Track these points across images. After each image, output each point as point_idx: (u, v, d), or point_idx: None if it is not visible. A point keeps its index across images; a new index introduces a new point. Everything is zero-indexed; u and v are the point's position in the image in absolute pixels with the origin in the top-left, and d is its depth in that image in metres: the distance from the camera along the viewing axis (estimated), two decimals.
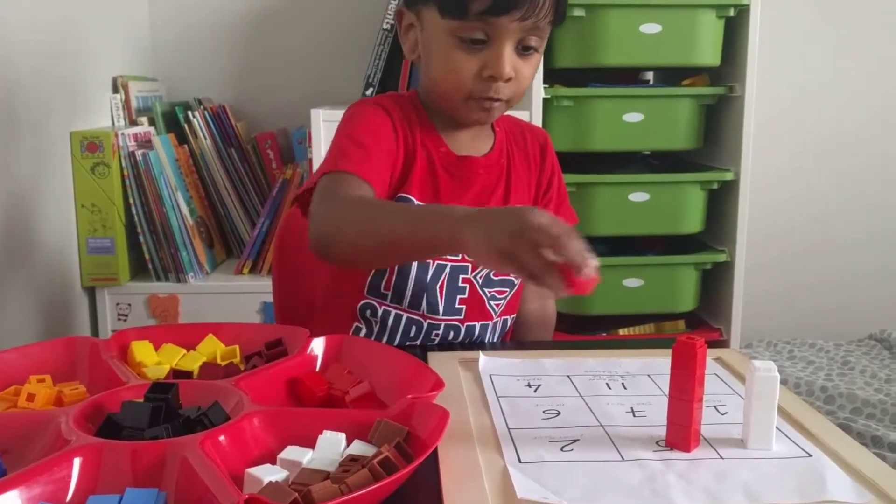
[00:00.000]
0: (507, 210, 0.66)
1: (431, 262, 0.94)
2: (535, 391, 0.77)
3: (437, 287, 0.96)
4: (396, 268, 0.94)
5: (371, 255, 0.81)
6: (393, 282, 0.95)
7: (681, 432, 0.64)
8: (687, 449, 0.64)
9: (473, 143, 0.99)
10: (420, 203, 0.91)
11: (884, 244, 2.22)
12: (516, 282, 1.01)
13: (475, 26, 0.85)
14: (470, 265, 0.96)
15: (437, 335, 0.98)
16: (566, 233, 0.61)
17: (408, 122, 0.95)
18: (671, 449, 0.65)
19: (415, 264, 0.94)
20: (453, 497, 0.56)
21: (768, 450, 0.65)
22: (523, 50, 0.88)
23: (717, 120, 1.82)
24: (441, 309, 0.96)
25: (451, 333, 0.98)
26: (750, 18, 1.68)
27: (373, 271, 0.95)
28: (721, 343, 1.80)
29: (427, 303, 0.96)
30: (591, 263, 0.61)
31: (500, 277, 0.99)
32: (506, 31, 0.86)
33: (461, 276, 0.97)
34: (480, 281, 0.98)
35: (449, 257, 0.95)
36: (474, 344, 0.99)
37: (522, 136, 1.04)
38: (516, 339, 1.08)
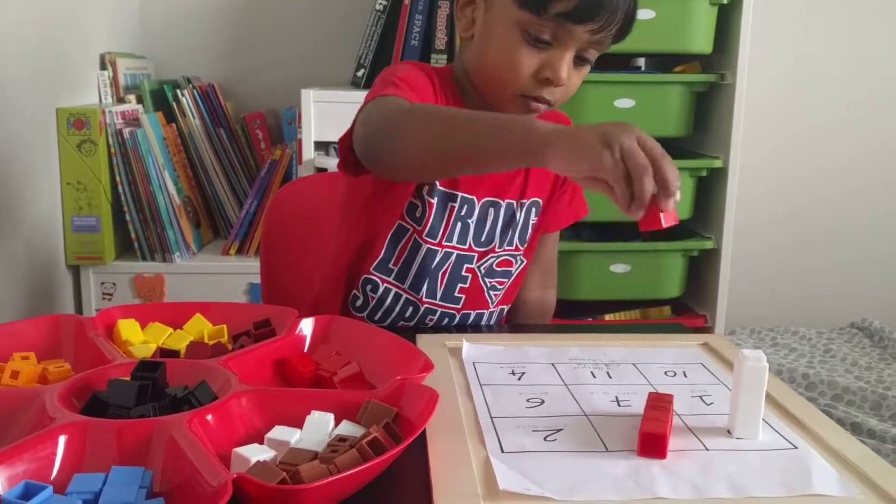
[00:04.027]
0: (602, 123, 0.64)
1: (440, 248, 0.94)
2: (518, 379, 0.77)
3: (440, 274, 0.96)
4: (408, 248, 0.94)
5: (438, 164, 0.76)
6: (402, 262, 0.95)
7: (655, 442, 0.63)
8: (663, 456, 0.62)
9: None
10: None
11: (869, 234, 2.24)
12: (514, 271, 1.01)
13: (547, 26, 0.83)
14: (476, 255, 0.96)
15: (431, 320, 0.98)
16: (665, 154, 0.61)
17: (443, 94, 0.93)
18: None
19: (423, 250, 0.93)
20: (441, 479, 0.56)
21: (754, 439, 0.65)
22: (580, 60, 0.87)
23: (708, 107, 1.82)
24: (439, 294, 0.96)
25: (447, 320, 0.98)
26: (743, 7, 1.68)
27: (384, 248, 0.94)
28: (706, 329, 1.82)
29: (427, 288, 0.96)
30: (678, 194, 0.61)
31: (502, 268, 0.99)
32: (575, 38, 0.84)
33: (465, 266, 0.96)
34: (483, 271, 0.98)
35: (457, 245, 0.95)
36: (465, 328, 0.99)
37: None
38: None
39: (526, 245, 1.01)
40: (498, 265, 0.99)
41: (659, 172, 0.61)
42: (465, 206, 0.94)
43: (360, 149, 0.81)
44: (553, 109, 0.92)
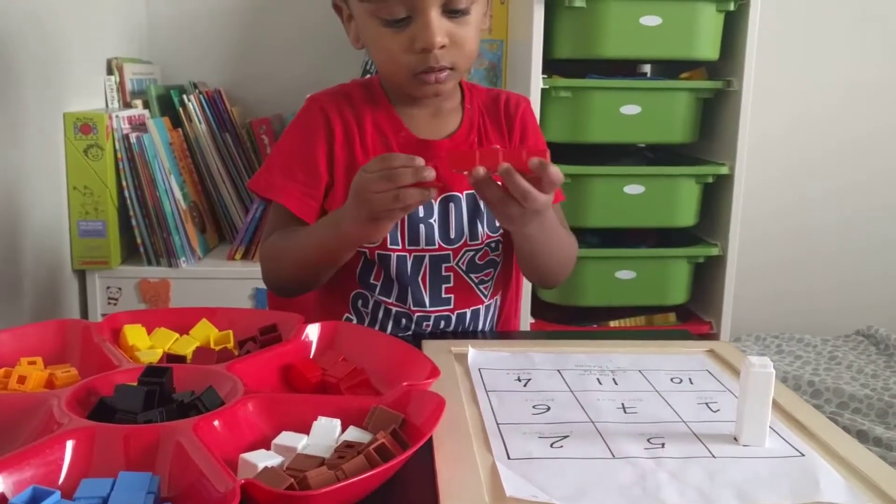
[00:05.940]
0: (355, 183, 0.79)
1: (408, 254, 0.93)
2: (524, 385, 0.77)
3: (420, 279, 0.95)
4: (376, 260, 0.94)
5: (308, 278, 0.92)
6: (382, 275, 0.95)
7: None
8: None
9: (436, 123, 0.96)
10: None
11: (875, 242, 2.23)
12: (499, 260, 1.00)
13: (393, 4, 0.83)
14: (451, 253, 0.95)
15: (427, 326, 0.97)
16: (385, 160, 0.75)
17: (353, 112, 0.94)
18: (662, 446, 0.64)
19: (393, 259, 0.93)
20: (448, 485, 0.56)
21: (761, 446, 0.64)
22: (452, 13, 0.85)
23: (714, 114, 1.82)
24: (427, 301, 0.95)
25: (443, 323, 0.97)
26: (749, 13, 1.68)
27: (360, 265, 0.95)
28: (711, 336, 1.81)
29: (412, 297, 0.95)
30: (419, 163, 0.74)
31: (484, 260, 0.98)
32: (424, 0, 0.83)
33: (444, 266, 0.95)
34: (464, 267, 0.97)
35: (426, 247, 0.94)
36: (467, 332, 0.98)
37: (496, 106, 1.00)
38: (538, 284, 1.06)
39: (502, 229, 0.99)
40: (479, 259, 0.97)
41: (395, 175, 0.74)
42: (422, 208, 0.93)
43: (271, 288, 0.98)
44: (464, 75, 0.93)
